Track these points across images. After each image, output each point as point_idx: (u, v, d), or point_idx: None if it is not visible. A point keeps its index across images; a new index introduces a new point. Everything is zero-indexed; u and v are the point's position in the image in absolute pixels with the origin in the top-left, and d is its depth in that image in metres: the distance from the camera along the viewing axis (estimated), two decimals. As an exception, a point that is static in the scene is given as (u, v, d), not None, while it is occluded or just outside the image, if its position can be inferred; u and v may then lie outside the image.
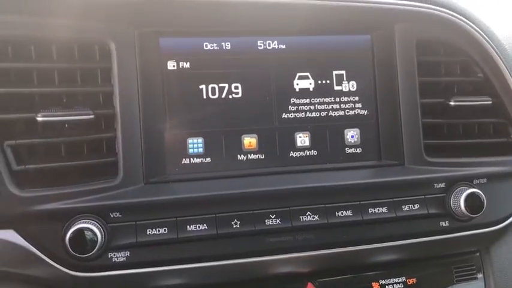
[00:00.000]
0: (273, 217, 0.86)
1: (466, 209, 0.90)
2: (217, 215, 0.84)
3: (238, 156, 0.90)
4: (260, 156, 0.91)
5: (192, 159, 0.88)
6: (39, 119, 0.79)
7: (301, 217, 0.87)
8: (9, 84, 0.80)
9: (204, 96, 0.89)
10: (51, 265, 0.78)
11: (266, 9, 0.89)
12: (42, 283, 0.80)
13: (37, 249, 0.78)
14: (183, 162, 0.88)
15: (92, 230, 0.76)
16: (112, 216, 0.80)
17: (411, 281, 0.94)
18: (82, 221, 0.77)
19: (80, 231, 0.76)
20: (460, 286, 0.97)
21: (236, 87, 0.91)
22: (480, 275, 0.99)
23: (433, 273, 0.97)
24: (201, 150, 0.89)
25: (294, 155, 0.92)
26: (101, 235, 0.77)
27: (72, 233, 0.76)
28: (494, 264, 0.99)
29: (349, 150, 0.94)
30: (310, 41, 0.94)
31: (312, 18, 0.91)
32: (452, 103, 0.96)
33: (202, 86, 0.89)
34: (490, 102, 0.98)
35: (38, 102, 0.82)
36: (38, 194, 0.78)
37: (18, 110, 0.81)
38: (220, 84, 0.90)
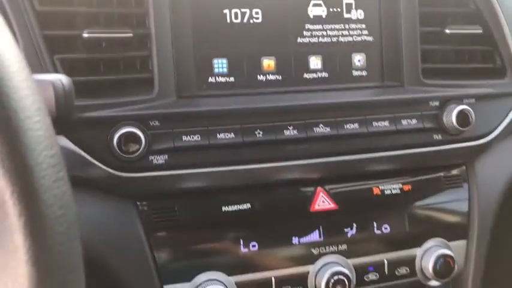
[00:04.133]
0: (290, 128, 0.97)
1: (457, 123, 1.03)
2: (242, 125, 0.94)
3: (258, 76, 1.00)
4: (278, 77, 1.01)
5: (217, 77, 0.98)
6: (85, 35, 0.87)
7: (314, 129, 0.98)
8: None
9: (228, 21, 0.98)
10: (100, 167, 0.88)
11: None
12: (94, 184, 0.90)
13: (86, 153, 0.87)
14: (209, 80, 0.98)
15: (136, 134, 0.87)
16: (151, 124, 0.90)
17: (407, 187, 1.08)
18: (127, 126, 0.87)
19: (127, 134, 0.86)
20: (448, 192, 1.12)
21: (256, 13, 0.99)
22: (465, 184, 1.13)
23: (425, 181, 1.11)
24: (225, 70, 0.99)
25: (308, 77, 1.03)
26: (144, 139, 0.87)
27: (118, 137, 0.86)
28: (478, 176, 1.13)
29: (355, 73, 1.05)
30: (323, -28, 1.03)
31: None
32: (447, 31, 1.08)
33: (226, 11, 0.98)
34: (481, 31, 1.09)
35: (78, 22, 0.90)
36: (84, 103, 0.87)
37: (61, 29, 0.88)
38: (242, 10, 0.99)
